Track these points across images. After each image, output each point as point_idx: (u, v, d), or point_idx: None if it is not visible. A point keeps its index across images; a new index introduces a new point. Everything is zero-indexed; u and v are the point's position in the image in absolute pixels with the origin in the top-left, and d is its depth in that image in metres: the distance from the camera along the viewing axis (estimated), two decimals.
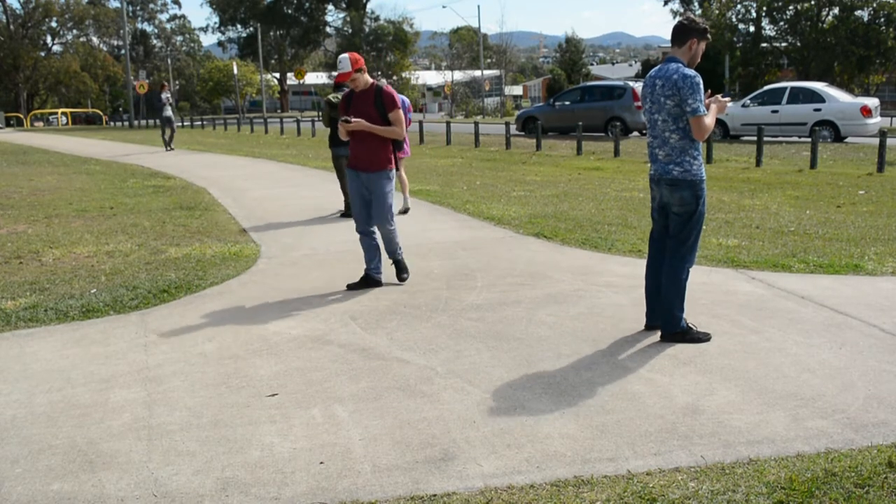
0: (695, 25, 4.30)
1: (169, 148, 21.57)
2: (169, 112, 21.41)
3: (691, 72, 4.21)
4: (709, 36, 4.39)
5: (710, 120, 4.25)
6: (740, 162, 15.14)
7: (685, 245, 4.42)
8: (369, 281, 5.88)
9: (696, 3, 46.49)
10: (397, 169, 9.82)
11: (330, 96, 9.54)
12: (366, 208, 5.84)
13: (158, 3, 79.96)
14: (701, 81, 4.21)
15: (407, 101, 10.87)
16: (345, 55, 5.63)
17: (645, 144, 19.70)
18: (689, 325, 4.50)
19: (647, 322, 4.71)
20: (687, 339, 4.43)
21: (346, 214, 9.45)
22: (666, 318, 4.46)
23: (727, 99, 4.51)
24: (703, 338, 4.46)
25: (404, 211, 9.40)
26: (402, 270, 6.04)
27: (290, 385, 3.96)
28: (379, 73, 57.59)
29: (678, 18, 4.53)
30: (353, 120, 5.58)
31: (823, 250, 6.77)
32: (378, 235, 5.94)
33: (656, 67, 4.42)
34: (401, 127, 5.71)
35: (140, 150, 22.69)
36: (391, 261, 6.04)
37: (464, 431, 3.38)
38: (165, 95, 21.20)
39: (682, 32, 4.31)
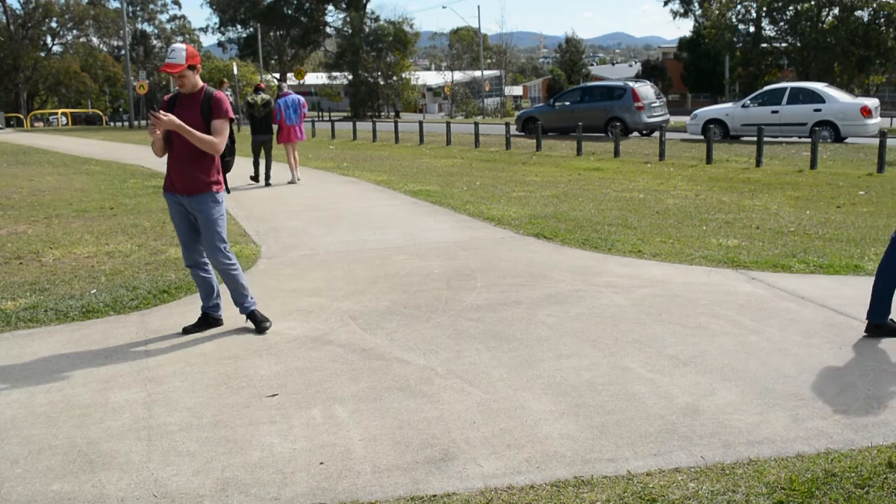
0: None
1: None
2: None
3: None
4: None
5: None
6: (740, 162, 15.13)
7: None
8: (208, 320, 4.96)
9: (696, 4, 46.50)
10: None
11: (248, 98, 13.03)
12: (191, 236, 4.84)
13: (158, 4, 79.79)
14: None
15: (301, 98, 12.40)
16: (181, 45, 4.60)
17: (645, 145, 19.68)
18: (891, 319, 4.47)
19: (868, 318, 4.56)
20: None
21: (254, 178, 13.02)
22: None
23: None
24: None
25: (292, 181, 12.59)
26: (259, 321, 4.90)
27: (290, 385, 3.96)
28: (379, 73, 57.52)
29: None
30: (164, 115, 4.48)
31: (823, 250, 6.77)
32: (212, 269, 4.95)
33: None
34: (220, 139, 4.64)
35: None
36: (244, 316, 4.93)
37: (464, 431, 3.38)
38: (227, 94, 19.94)
39: None
